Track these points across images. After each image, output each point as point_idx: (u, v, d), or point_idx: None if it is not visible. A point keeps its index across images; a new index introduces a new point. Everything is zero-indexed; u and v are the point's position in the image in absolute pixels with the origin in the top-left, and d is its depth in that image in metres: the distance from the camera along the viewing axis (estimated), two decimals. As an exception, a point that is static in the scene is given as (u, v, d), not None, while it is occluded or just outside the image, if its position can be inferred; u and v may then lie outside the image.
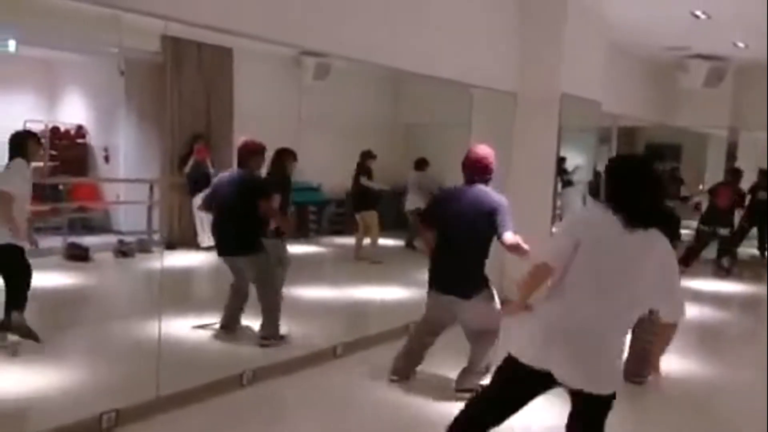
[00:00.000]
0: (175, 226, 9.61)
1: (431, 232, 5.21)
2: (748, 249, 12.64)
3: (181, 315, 6.31)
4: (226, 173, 6.28)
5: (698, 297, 9.29)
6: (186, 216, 9.41)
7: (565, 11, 7.87)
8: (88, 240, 9.26)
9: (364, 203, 10.07)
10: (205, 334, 6.20)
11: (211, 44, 9.40)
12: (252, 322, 6.19)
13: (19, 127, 7.45)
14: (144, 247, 9.39)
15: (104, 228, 10.66)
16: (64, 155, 11.42)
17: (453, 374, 5.30)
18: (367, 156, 10.11)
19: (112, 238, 9.67)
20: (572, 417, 3.38)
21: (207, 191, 6.34)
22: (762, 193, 11.97)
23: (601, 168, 11.93)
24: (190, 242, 9.08)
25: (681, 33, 9.66)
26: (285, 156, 6.63)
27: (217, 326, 6.26)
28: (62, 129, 11.67)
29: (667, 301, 3.26)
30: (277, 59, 9.70)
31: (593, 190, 11.72)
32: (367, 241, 10.13)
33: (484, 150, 5.17)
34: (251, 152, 6.01)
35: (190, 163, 9.35)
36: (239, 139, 6.32)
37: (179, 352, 5.49)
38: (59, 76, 11.89)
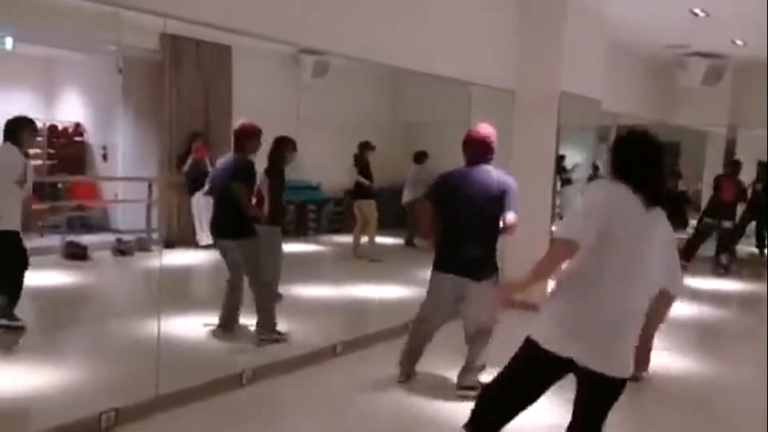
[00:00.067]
0: (173, 225, 9.58)
1: (433, 212, 5.12)
2: (747, 247, 12.64)
3: (180, 314, 6.29)
4: (222, 158, 6.28)
5: (697, 295, 9.30)
6: (185, 214, 9.38)
7: (564, 9, 7.87)
8: (86, 239, 9.24)
9: (361, 192, 10.06)
10: (205, 333, 6.18)
11: (210, 42, 9.38)
12: (251, 320, 6.17)
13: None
14: (143, 246, 9.38)
15: (103, 227, 10.65)
16: (62, 153, 11.40)
17: (450, 373, 5.31)
18: (365, 147, 10.09)
19: (110, 237, 9.67)
20: (583, 403, 3.31)
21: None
22: (758, 185, 12.01)
23: (599, 163, 11.97)
24: (189, 241, 9.06)
25: (680, 31, 9.65)
26: (282, 144, 6.61)
27: (216, 325, 6.24)
28: (60, 127, 11.65)
29: (671, 276, 3.26)
30: (276, 57, 9.67)
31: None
32: (365, 239, 10.12)
33: (486, 129, 5.12)
34: (247, 135, 5.99)
35: (189, 161, 9.32)
36: (237, 121, 6.30)
37: (178, 351, 5.48)
38: (57, 74, 11.86)
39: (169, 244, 9.21)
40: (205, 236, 8.04)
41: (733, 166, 11.72)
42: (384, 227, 10.36)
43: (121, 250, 9.23)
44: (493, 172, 5.02)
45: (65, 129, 11.69)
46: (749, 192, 11.79)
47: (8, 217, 5.55)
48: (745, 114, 12.32)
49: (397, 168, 11.55)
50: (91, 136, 11.72)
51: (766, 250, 12.64)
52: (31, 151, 6.66)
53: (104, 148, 11.44)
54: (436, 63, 6.84)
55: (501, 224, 4.92)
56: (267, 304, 6.00)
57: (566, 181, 11.77)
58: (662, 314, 3.37)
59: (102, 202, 11.27)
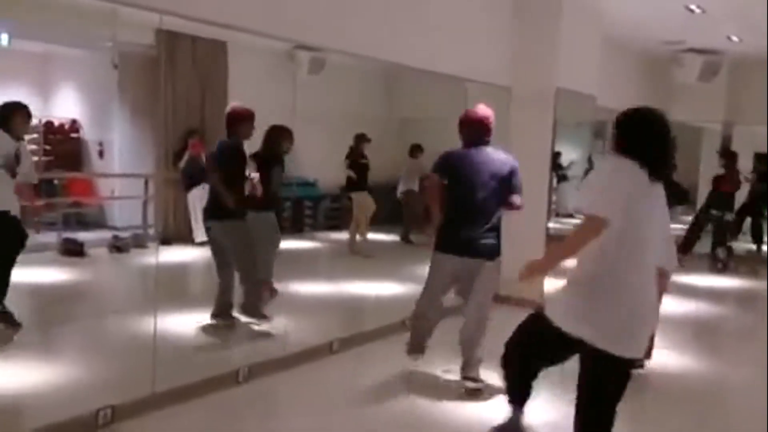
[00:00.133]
0: (170, 222, 9.58)
1: (441, 187, 5.05)
2: (744, 244, 12.65)
3: (176, 311, 6.30)
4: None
5: (694, 292, 9.31)
6: (181, 211, 9.38)
7: (560, 5, 7.86)
8: (82, 235, 9.24)
9: (353, 185, 10.04)
10: (201, 330, 6.19)
11: (206, 38, 9.36)
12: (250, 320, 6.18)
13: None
14: (139, 243, 9.37)
15: (99, 223, 10.64)
16: (58, 150, 11.38)
17: (448, 370, 5.33)
18: (361, 139, 10.07)
19: (107, 234, 9.66)
20: (587, 382, 3.28)
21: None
22: (752, 175, 12.05)
23: (595, 156, 11.99)
24: (185, 237, 9.05)
25: (676, 27, 9.67)
26: (276, 133, 6.59)
27: (209, 318, 6.21)
28: (56, 123, 11.63)
29: (668, 251, 3.27)
30: (271, 53, 9.66)
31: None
32: (360, 237, 10.12)
33: (485, 110, 5.13)
34: (239, 119, 5.99)
35: (185, 158, 9.30)
36: (229, 105, 6.30)
37: (175, 348, 5.49)
38: (53, 70, 11.84)
39: (166, 240, 9.19)
40: (200, 233, 8.04)
41: (729, 157, 11.73)
42: (380, 223, 10.36)
43: (118, 246, 9.23)
44: (497, 152, 5.05)
45: (61, 125, 11.67)
46: (745, 180, 11.80)
47: None
48: (743, 110, 12.32)
49: (393, 164, 11.54)
50: (88, 133, 11.71)
51: (765, 247, 12.66)
52: (29, 147, 6.62)
53: (100, 144, 11.42)
54: (432, 60, 6.84)
55: (509, 204, 5.00)
56: (251, 285, 6.00)
57: (562, 178, 11.79)
58: (661, 291, 3.36)
59: (98, 199, 11.26)
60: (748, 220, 12.42)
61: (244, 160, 6.06)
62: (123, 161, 10.88)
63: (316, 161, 10.43)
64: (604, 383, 3.24)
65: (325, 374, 5.50)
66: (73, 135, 11.71)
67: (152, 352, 4.77)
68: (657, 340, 3.43)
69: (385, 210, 10.79)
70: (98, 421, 4.21)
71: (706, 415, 5.27)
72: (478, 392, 4.98)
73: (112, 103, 10.82)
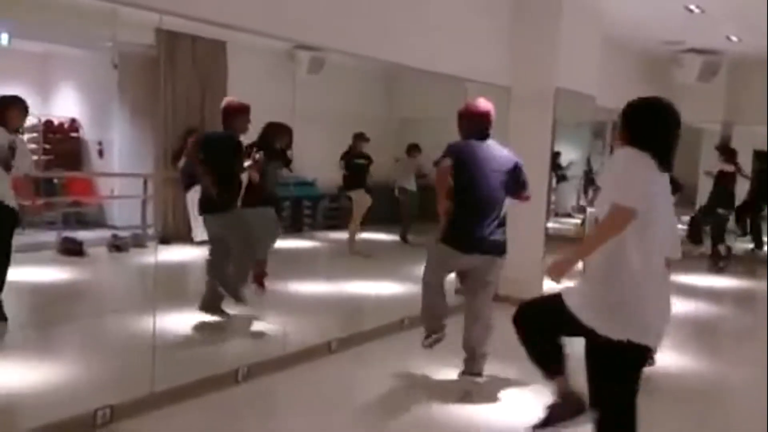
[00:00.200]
0: (169, 221, 9.57)
1: (449, 173, 4.92)
2: (742, 244, 12.66)
3: (175, 310, 6.30)
4: None
5: (694, 292, 9.31)
6: (180, 210, 9.35)
7: (560, 6, 7.86)
8: (82, 234, 9.23)
9: (355, 181, 10.05)
10: (200, 330, 6.19)
11: (206, 38, 9.36)
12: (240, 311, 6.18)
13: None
14: (138, 242, 9.36)
15: (98, 222, 10.63)
16: (57, 149, 11.38)
17: (447, 373, 5.32)
18: (359, 138, 10.07)
19: (106, 233, 9.64)
20: (592, 364, 3.24)
21: None
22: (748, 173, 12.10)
23: (593, 158, 12.00)
24: (185, 237, 9.03)
25: (675, 27, 9.67)
26: (272, 129, 6.63)
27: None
28: (56, 122, 11.63)
29: (672, 240, 3.26)
30: (271, 53, 9.66)
31: (588, 181, 11.76)
32: (359, 236, 10.12)
33: (487, 103, 5.12)
34: (233, 112, 6.06)
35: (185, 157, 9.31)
36: (224, 100, 6.32)
37: (174, 348, 5.48)
38: (53, 70, 11.83)
39: (165, 240, 9.19)
40: (200, 232, 8.04)
41: (729, 153, 11.73)
42: (378, 223, 10.36)
43: (117, 245, 9.22)
44: (500, 147, 5.06)
45: (61, 124, 11.67)
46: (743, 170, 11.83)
47: None
48: (743, 110, 12.32)
49: (393, 163, 11.54)
50: (87, 132, 11.71)
51: (765, 247, 12.66)
52: (29, 146, 6.60)
53: (100, 143, 11.41)
54: (432, 60, 6.84)
55: (519, 195, 5.06)
56: (240, 267, 6.06)
57: (561, 178, 11.78)
58: None
59: (98, 198, 11.25)
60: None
61: (239, 152, 6.08)
62: (122, 161, 10.88)
63: (316, 161, 10.43)
64: (613, 367, 3.19)
65: (324, 374, 5.49)
66: (73, 134, 11.71)
67: (151, 351, 4.77)
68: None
69: (385, 210, 10.80)
70: (97, 420, 4.21)
71: (706, 415, 5.28)
72: (479, 388, 4.99)
73: (112, 102, 10.81)
